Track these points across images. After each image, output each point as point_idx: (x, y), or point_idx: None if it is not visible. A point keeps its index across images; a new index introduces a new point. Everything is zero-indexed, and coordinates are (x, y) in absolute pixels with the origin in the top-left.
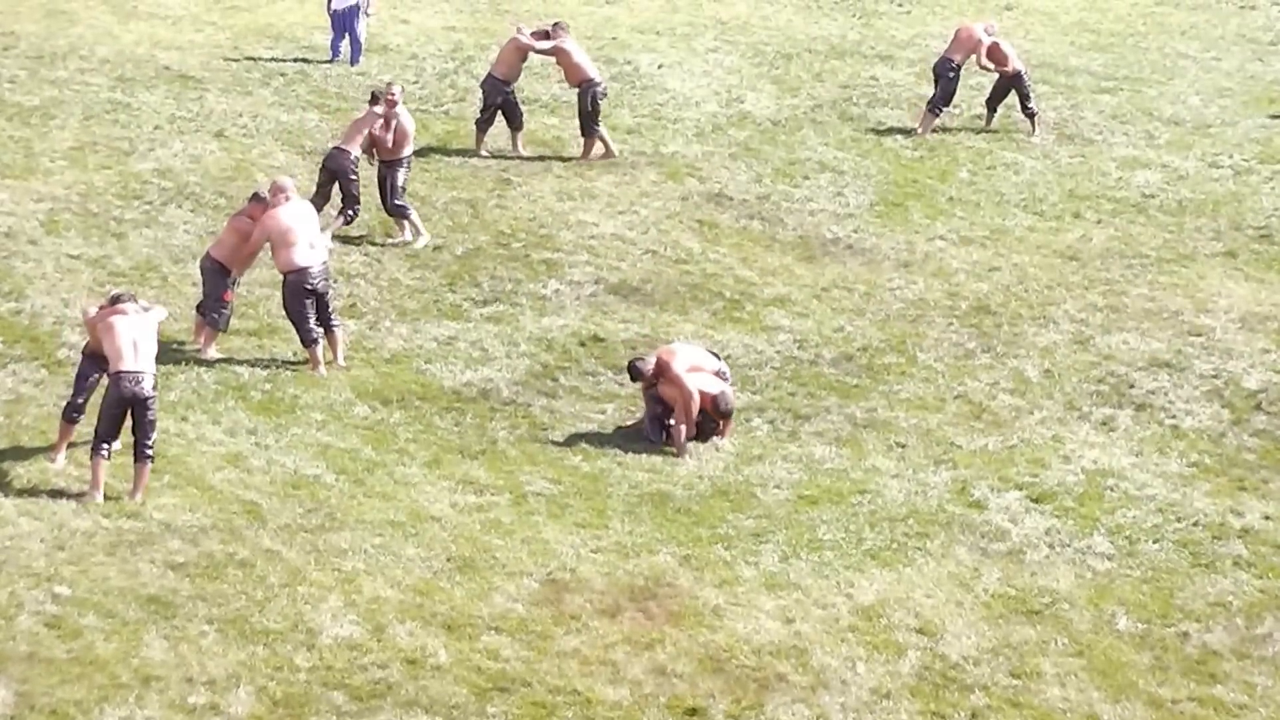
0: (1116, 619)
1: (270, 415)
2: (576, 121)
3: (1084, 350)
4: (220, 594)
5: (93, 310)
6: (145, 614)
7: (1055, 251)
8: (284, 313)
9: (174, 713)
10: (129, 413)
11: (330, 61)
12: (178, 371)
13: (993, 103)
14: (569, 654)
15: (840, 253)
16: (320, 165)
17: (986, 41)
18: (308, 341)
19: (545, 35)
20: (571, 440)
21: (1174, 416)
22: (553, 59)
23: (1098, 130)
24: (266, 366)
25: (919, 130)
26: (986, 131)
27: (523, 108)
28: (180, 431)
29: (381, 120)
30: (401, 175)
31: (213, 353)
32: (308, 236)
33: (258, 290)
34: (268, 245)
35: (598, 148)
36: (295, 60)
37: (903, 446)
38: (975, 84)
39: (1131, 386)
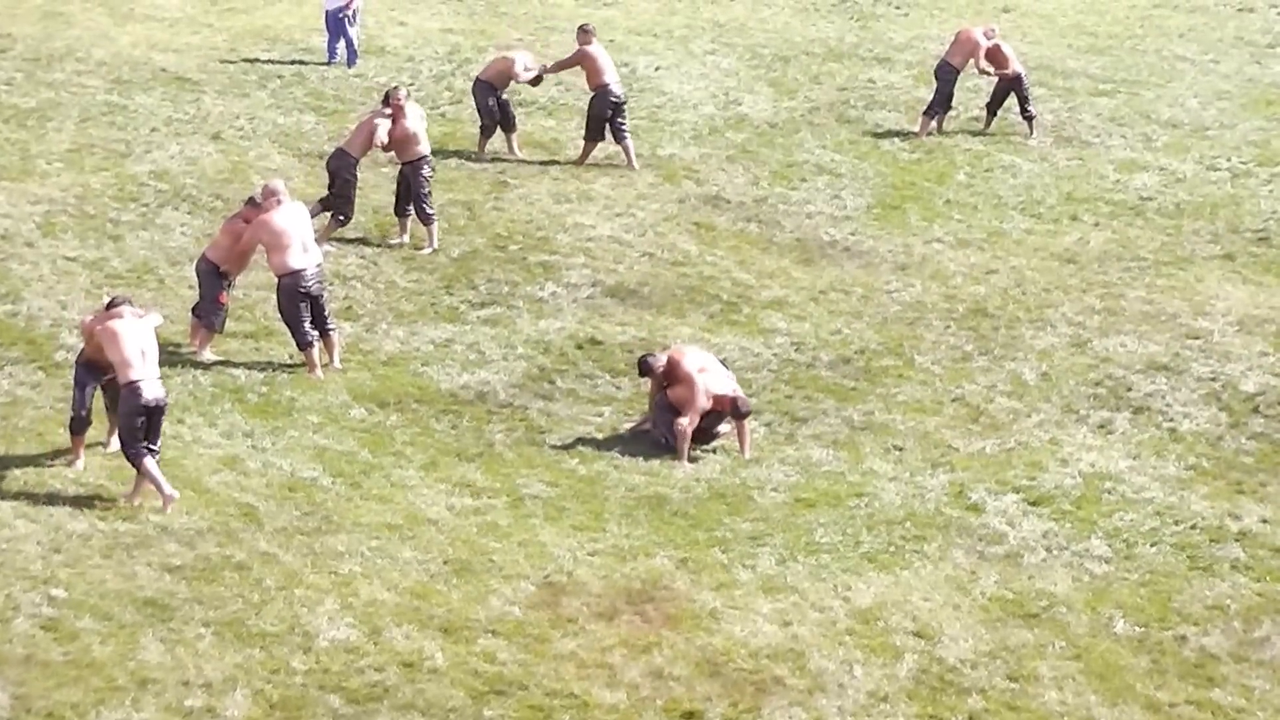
0: (1114, 622)
1: (267, 418)
2: (575, 123)
3: (1081, 353)
4: (217, 597)
5: (89, 319)
6: (142, 617)
7: (1053, 254)
8: (279, 316)
9: (170, 715)
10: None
11: (327, 64)
12: (174, 374)
13: (992, 106)
14: (566, 657)
15: (837, 255)
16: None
17: (986, 45)
18: (303, 344)
19: (539, 79)
20: (568, 443)
21: (1172, 419)
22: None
23: (1095, 133)
24: (263, 369)
25: (918, 134)
26: (984, 134)
27: (520, 110)
28: (176, 434)
29: (388, 122)
30: (421, 179)
31: (208, 354)
32: (301, 239)
33: (255, 293)
34: (263, 248)
35: (590, 151)
36: (292, 63)
37: (900, 449)
38: (973, 87)
39: (1129, 389)
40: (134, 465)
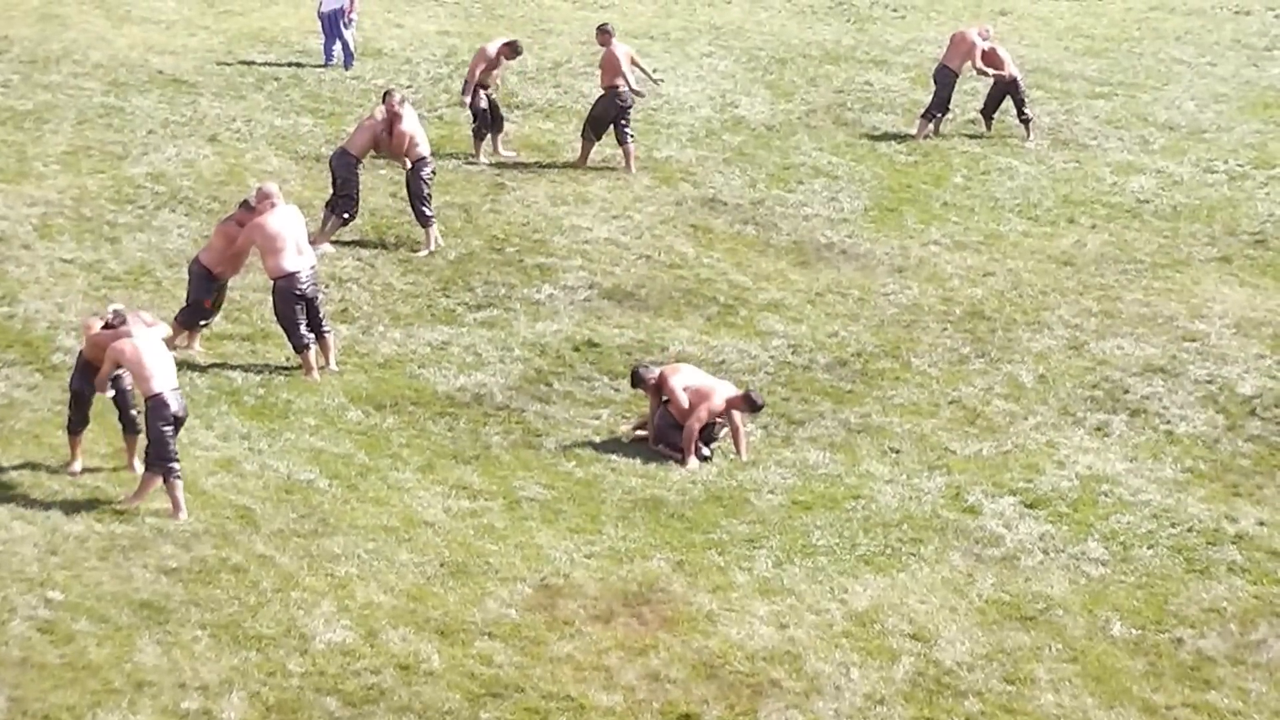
0: (1111, 625)
1: (263, 420)
2: (573, 125)
3: (1078, 356)
4: (213, 599)
5: (96, 325)
6: (138, 619)
7: (1050, 257)
8: (275, 319)
9: (167, 718)
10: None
11: (324, 66)
12: None
13: (989, 110)
14: (562, 660)
15: (834, 258)
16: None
17: (982, 46)
18: (299, 347)
19: (503, 54)
20: (565, 445)
21: (1168, 422)
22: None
23: (1092, 135)
24: (259, 371)
25: (915, 136)
26: (981, 137)
27: (518, 112)
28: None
29: (385, 124)
30: (421, 181)
31: (198, 347)
32: (296, 242)
33: (251, 295)
34: (257, 251)
35: (588, 152)
36: (289, 65)
37: (897, 452)
38: (970, 89)
39: (1126, 392)
40: (164, 480)
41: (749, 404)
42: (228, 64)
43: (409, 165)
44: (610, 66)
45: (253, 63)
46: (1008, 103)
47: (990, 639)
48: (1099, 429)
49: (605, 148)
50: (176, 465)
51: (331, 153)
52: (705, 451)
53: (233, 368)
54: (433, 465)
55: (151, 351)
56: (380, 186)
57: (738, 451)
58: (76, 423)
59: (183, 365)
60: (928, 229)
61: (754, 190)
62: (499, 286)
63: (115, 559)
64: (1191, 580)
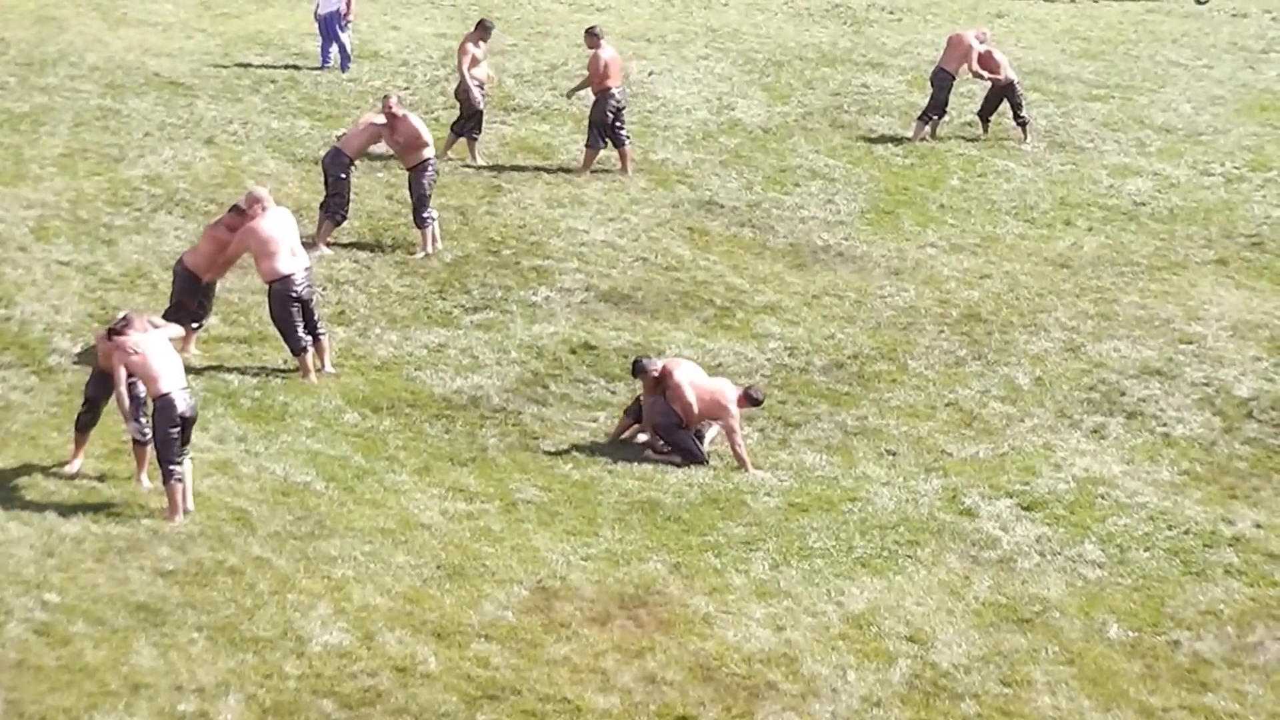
0: (1107, 627)
1: (260, 422)
2: (569, 128)
3: (1075, 358)
4: (209, 601)
5: (100, 332)
6: (134, 621)
7: (1046, 259)
8: (271, 322)
9: None
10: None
11: (320, 68)
12: None
13: (985, 113)
14: (559, 662)
15: (831, 260)
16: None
17: (979, 48)
18: (297, 350)
19: (477, 39)
20: (562, 448)
21: (1165, 424)
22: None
23: (1089, 138)
24: (256, 374)
25: (912, 138)
26: (978, 139)
27: (515, 115)
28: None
29: (385, 127)
30: (423, 183)
31: (194, 349)
32: (289, 244)
33: (249, 298)
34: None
35: (590, 158)
36: (285, 67)
37: (893, 454)
38: (967, 91)
39: (1123, 394)
40: (164, 481)
41: (750, 401)
42: (224, 66)
43: (412, 166)
44: (597, 70)
45: (249, 65)
46: (1005, 105)
47: (987, 641)
48: (1096, 431)
49: (601, 150)
50: (178, 469)
51: (325, 153)
52: (708, 441)
53: (229, 370)
54: (429, 467)
55: (157, 352)
56: (377, 189)
57: (740, 463)
58: (87, 422)
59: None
60: (924, 231)
61: (750, 192)
62: (495, 289)
63: (112, 561)
64: (1188, 582)
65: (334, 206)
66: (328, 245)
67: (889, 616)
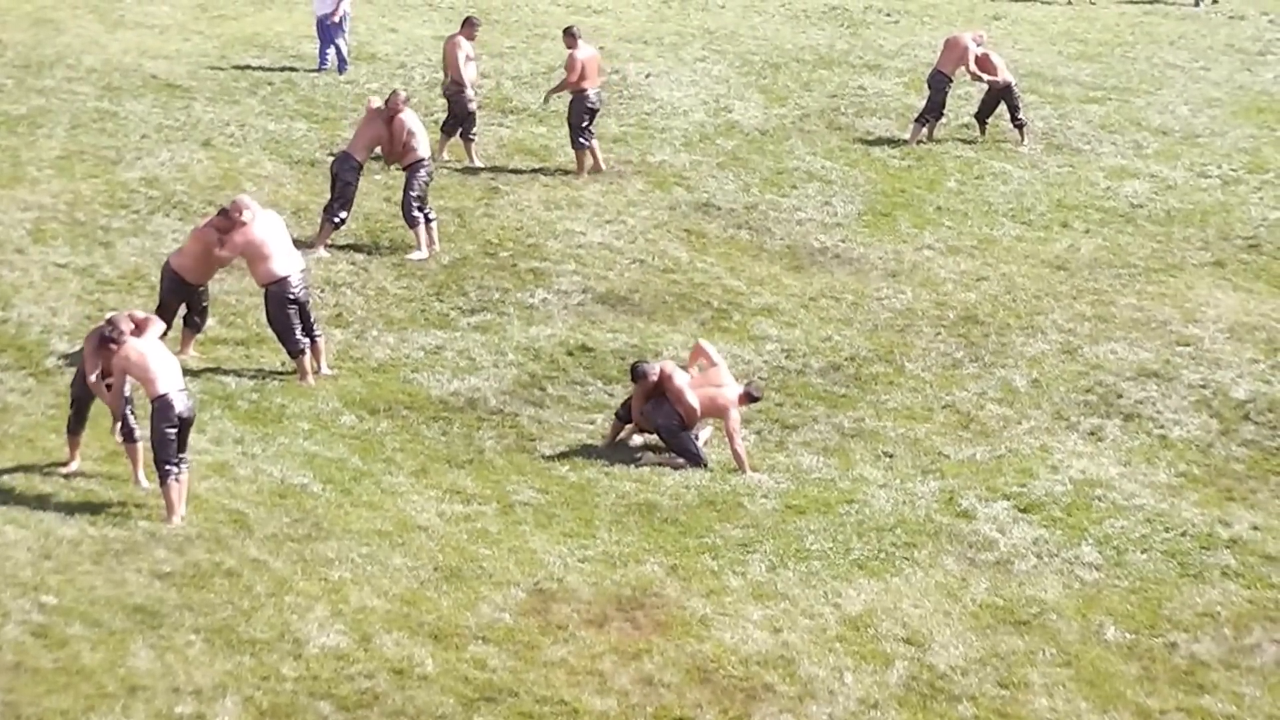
0: (1104, 629)
1: (257, 424)
2: (565, 130)
3: (1072, 360)
4: (207, 603)
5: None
6: (131, 623)
7: (1043, 261)
8: (269, 325)
9: None
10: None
11: (318, 70)
12: None
13: (982, 115)
14: (556, 664)
15: (828, 262)
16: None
17: (976, 51)
18: (295, 352)
19: (465, 36)
20: (559, 450)
21: (1162, 426)
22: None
23: (1086, 140)
24: (253, 376)
25: (909, 141)
26: (974, 141)
27: (511, 117)
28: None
29: (385, 121)
30: (415, 182)
31: (192, 351)
32: (283, 246)
33: (246, 300)
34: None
35: (583, 160)
36: (283, 69)
37: (890, 456)
38: (964, 94)
39: (1120, 396)
40: (160, 482)
41: (750, 398)
42: (221, 69)
43: (406, 165)
44: (574, 70)
45: (247, 67)
46: (1002, 107)
47: (984, 643)
48: (1093, 433)
49: (599, 151)
50: (175, 469)
51: (333, 158)
52: (702, 442)
53: (226, 372)
54: (426, 470)
55: (153, 353)
56: (374, 191)
57: (739, 465)
58: (76, 425)
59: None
60: (921, 233)
61: (747, 195)
62: (492, 291)
63: (109, 563)
64: (1185, 584)
65: (336, 208)
66: (326, 248)
67: (886, 618)
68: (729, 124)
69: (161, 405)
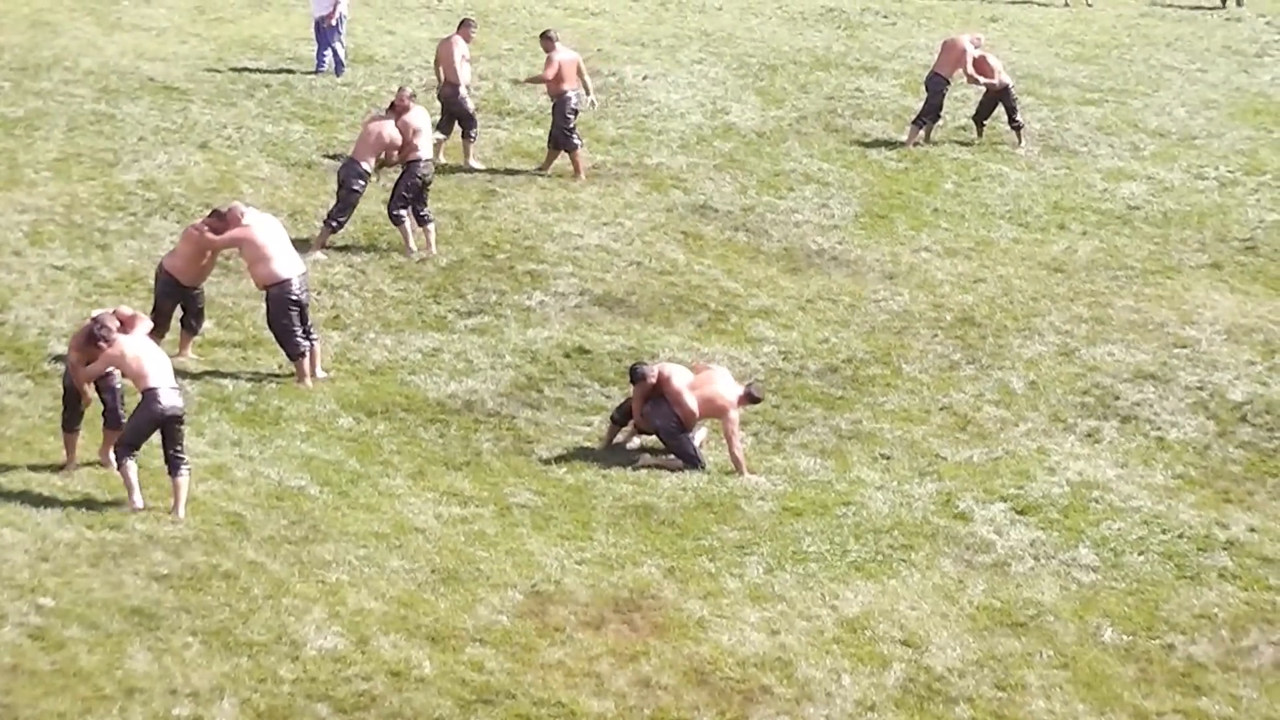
0: (1101, 631)
1: (254, 427)
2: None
3: (1069, 362)
4: (204, 606)
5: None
6: (129, 625)
7: (1040, 263)
8: (269, 327)
9: None
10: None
11: (315, 73)
12: None
13: (980, 117)
14: (553, 666)
15: (825, 264)
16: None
17: (973, 53)
18: (295, 355)
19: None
20: (556, 452)
21: (1159, 428)
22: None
23: (1083, 142)
24: (250, 378)
25: (906, 143)
26: (972, 143)
27: (508, 119)
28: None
29: (392, 125)
30: (410, 181)
31: (190, 354)
32: (283, 249)
33: (243, 302)
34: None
35: (579, 161)
36: (279, 71)
37: (887, 458)
38: (961, 96)
39: (1117, 398)
40: (116, 464)
41: (750, 400)
42: (218, 71)
43: (405, 161)
44: (551, 72)
45: (244, 70)
46: (999, 109)
47: (981, 645)
48: (1090, 435)
49: (595, 154)
50: (129, 459)
51: (341, 165)
52: (699, 442)
53: (224, 375)
54: (424, 472)
55: (144, 350)
56: (372, 194)
57: (736, 467)
58: (70, 420)
59: (174, 372)
60: (918, 235)
61: (745, 197)
62: (490, 293)
63: (106, 565)
64: (1182, 586)
65: (336, 213)
66: (322, 250)
67: (883, 620)
68: (726, 126)
69: (148, 398)
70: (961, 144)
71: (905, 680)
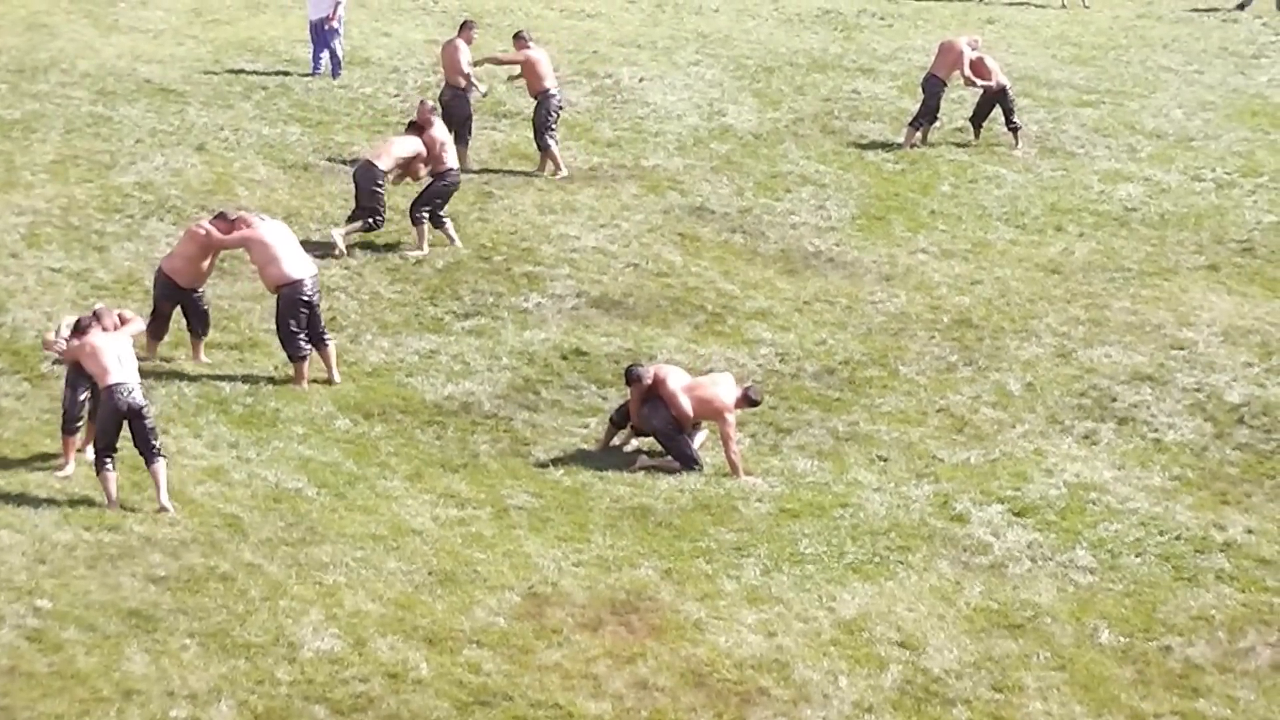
0: (1099, 632)
1: (251, 429)
2: (561, 133)
3: (1066, 363)
4: (201, 607)
5: (62, 343)
6: (126, 627)
7: (1037, 265)
8: (274, 328)
9: None
10: (126, 424)
11: (312, 75)
12: (159, 385)
13: (977, 119)
14: (550, 668)
15: (822, 266)
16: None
17: (970, 55)
18: (296, 357)
19: (464, 40)
20: (553, 454)
21: (1156, 430)
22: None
23: (1080, 143)
24: (248, 380)
25: (903, 144)
26: (969, 145)
27: (505, 121)
28: (161, 445)
29: (418, 141)
30: (440, 190)
31: (203, 358)
32: (293, 250)
33: (239, 304)
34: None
35: (549, 160)
36: (276, 74)
37: (884, 460)
38: (958, 97)
39: (1114, 400)
40: (96, 469)
41: (749, 402)
42: (215, 73)
43: (434, 174)
44: (532, 72)
45: (240, 71)
46: (996, 111)
47: (978, 647)
48: (1087, 437)
49: (593, 155)
50: (110, 459)
51: (356, 168)
52: (699, 444)
53: (221, 377)
54: (421, 474)
55: (111, 346)
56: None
57: (733, 469)
58: (71, 421)
59: (171, 374)
60: (915, 237)
61: (741, 198)
62: (487, 295)
63: (103, 567)
64: (1180, 588)
65: (365, 214)
66: (337, 255)
67: (880, 622)
68: (722, 128)
69: (106, 396)
70: (958, 146)
71: (902, 682)
